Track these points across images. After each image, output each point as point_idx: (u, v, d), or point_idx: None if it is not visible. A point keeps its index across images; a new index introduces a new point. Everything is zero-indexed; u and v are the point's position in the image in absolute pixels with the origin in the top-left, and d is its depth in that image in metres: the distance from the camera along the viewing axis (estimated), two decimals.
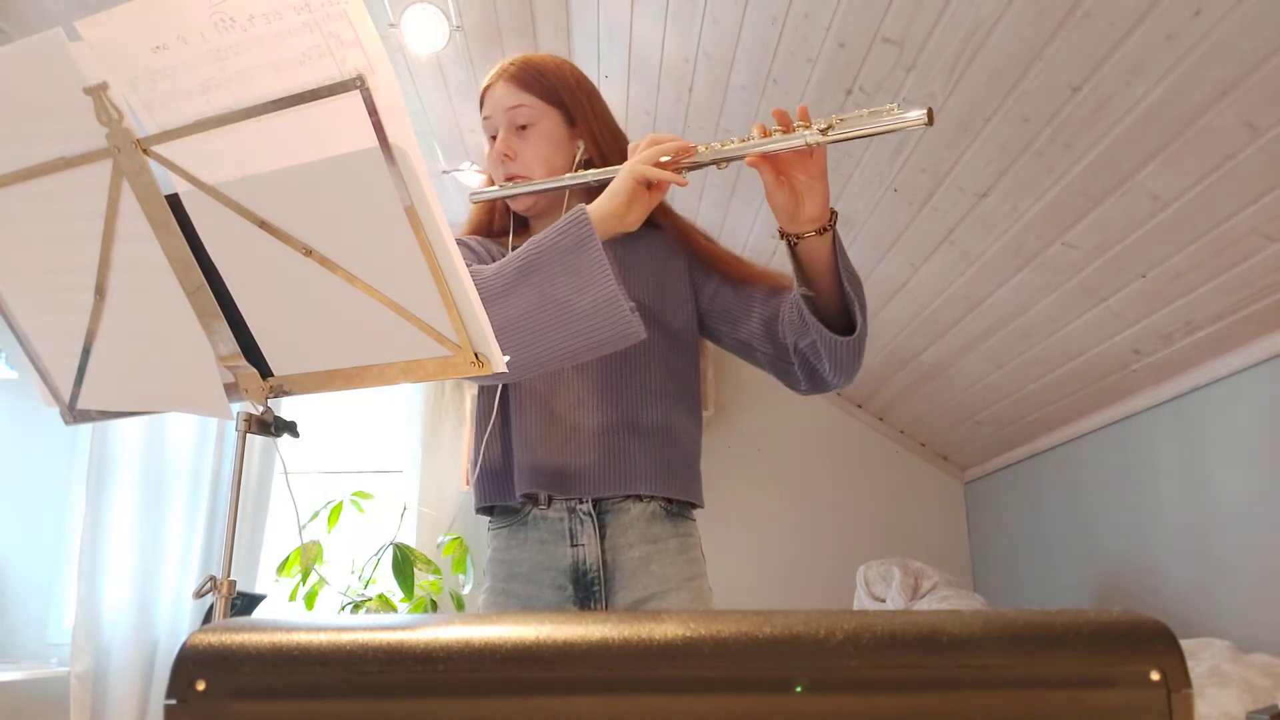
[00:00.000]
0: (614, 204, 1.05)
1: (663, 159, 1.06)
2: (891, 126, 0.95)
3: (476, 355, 0.89)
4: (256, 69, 0.80)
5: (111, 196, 0.89)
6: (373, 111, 0.80)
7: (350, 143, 0.82)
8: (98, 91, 0.83)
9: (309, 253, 0.88)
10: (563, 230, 1.03)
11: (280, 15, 0.78)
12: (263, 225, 0.88)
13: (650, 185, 1.07)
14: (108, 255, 0.92)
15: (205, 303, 0.93)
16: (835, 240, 1.07)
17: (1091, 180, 2.04)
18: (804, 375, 1.17)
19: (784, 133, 1.01)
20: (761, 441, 3.78)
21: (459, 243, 1.25)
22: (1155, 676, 0.46)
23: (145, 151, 0.86)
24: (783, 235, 1.08)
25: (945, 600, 3.01)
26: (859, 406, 3.81)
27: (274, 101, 0.81)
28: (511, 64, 1.26)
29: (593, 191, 1.16)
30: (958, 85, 2.02)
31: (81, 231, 0.92)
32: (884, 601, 3.13)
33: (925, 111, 0.93)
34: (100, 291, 0.95)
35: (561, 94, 1.24)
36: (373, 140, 0.81)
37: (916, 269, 2.74)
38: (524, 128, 1.23)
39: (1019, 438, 3.28)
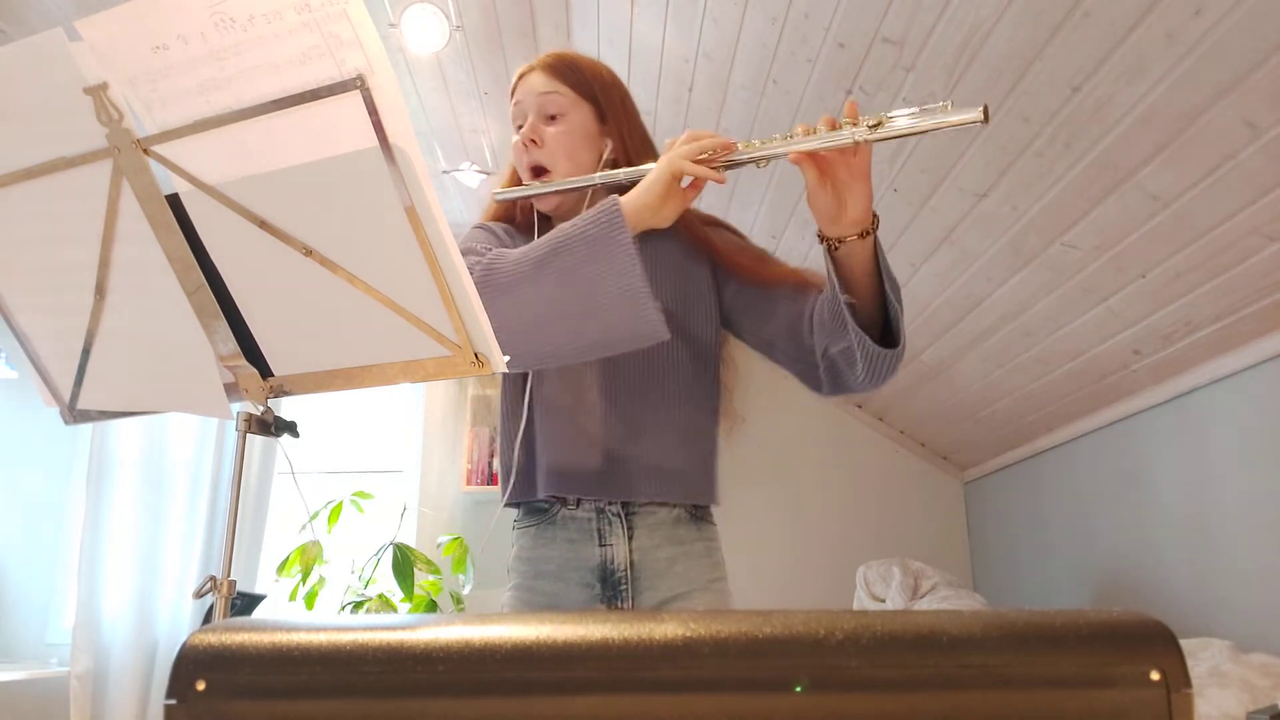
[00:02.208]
0: (649, 196, 1.01)
1: (701, 155, 1.02)
2: (944, 123, 0.90)
3: (476, 355, 0.89)
4: (256, 69, 0.80)
5: (111, 196, 0.89)
6: (373, 111, 0.80)
7: (350, 143, 0.82)
8: (98, 91, 0.83)
9: (309, 253, 0.88)
10: (592, 219, 0.99)
11: (280, 15, 0.77)
12: (263, 225, 0.88)
13: (686, 181, 1.03)
14: (108, 255, 0.92)
15: (205, 303, 0.93)
16: (876, 245, 1.03)
17: (1091, 180, 2.04)
18: (828, 379, 1.14)
19: (830, 130, 0.96)
20: (761, 441, 3.77)
21: (482, 227, 1.23)
22: (1155, 676, 0.46)
23: (145, 151, 0.86)
24: (822, 239, 1.04)
25: (945, 600, 3.01)
26: (859, 406, 3.81)
27: (274, 101, 0.81)
28: (549, 55, 1.23)
29: (620, 192, 1.13)
30: (957, 85, 2.02)
31: (81, 231, 0.92)
32: (884, 601, 3.13)
33: (981, 109, 0.88)
34: (100, 291, 0.95)
35: (595, 90, 1.21)
36: (373, 140, 0.81)
37: (916, 269, 2.74)
38: (554, 117, 1.19)
39: (1019, 437, 3.28)
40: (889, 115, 0.93)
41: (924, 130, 0.92)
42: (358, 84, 0.79)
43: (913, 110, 0.92)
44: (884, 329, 1.06)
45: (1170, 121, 1.80)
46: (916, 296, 2.87)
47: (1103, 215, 2.11)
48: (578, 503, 1.16)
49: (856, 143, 0.94)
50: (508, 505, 1.23)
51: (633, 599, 1.15)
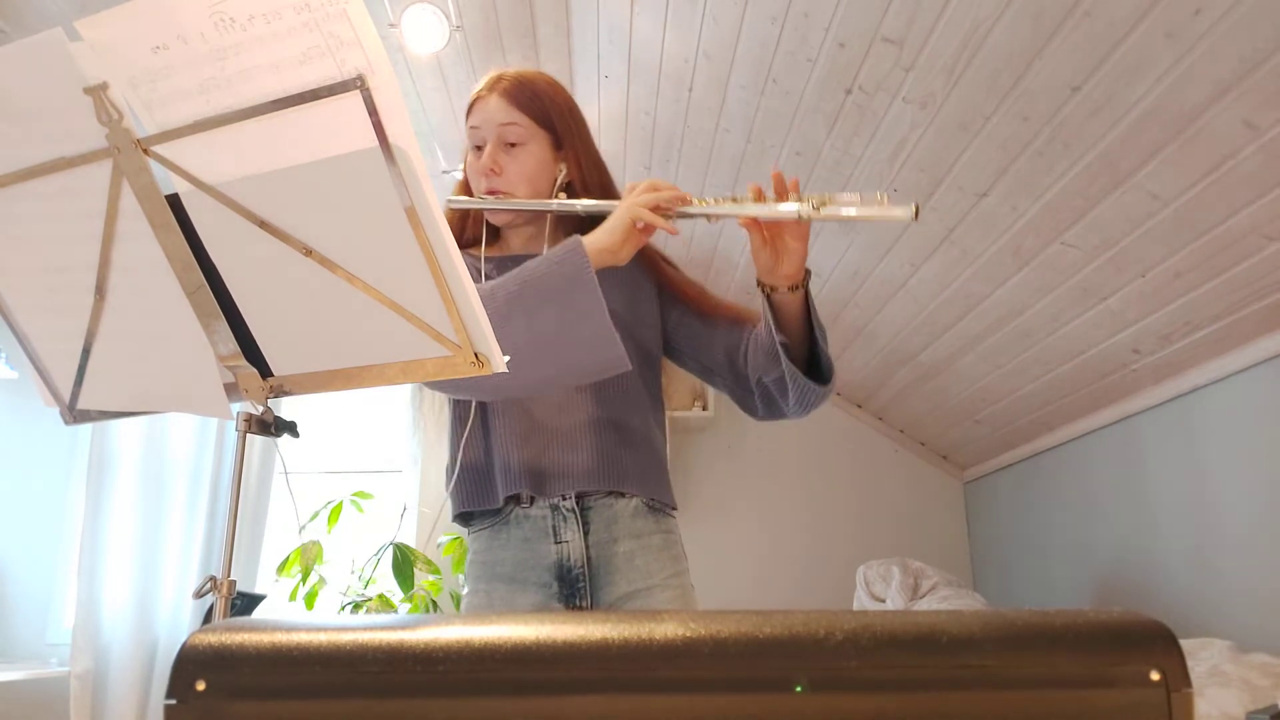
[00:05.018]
0: (610, 240, 1.10)
1: (659, 204, 1.12)
2: (879, 216, 1.02)
3: (476, 355, 0.89)
4: (256, 69, 0.80)
5: (111, 196, 0.89)
6: (373, 111, 0.80)
7: (350, 143, 0.82)
8: (98, 91, 0.83)
9: (309, 253, 0.88)
10: (559, 259, 1.05)
11: (280, 15, 0.77)
12: (263, 225, 0.88)
13: (643, 226, 1.12)
14: (108, 255, 0.92)
15: (205, 303, 0.93)
16: (807, 296, 1.16)
17: (1091, 180, 2.04)
18: (763, 404, 1.25)
19: (778, 199, 1.08)
20: (761, 442, 3.77)
21: None
22: (1155, 676, 0.46)
23: (145, 151, 0.86)
24: (759, 285, 1.16)
25: (945, 600, 3.01)
26: (859, 406, 3.81)
27: (274, 101, 0.81)
28: (505, 78, 1.27)
29: (570, 218, 1.23)
30: (957, 85, 2.02)
31: (81, 231, 0.92)
32: (884, 601, 3.14)
33: (913, 208, 0.99)
34: (100, 291, 0.95)
35: (553, 117, 1.26)
36: (373, 140, 0.81)
37: (916, 269, 2.74)
38: (513, 145, 1.25)
39: (1018, 438, 3.28)
40: (832, 197, 1.05)
41: (861, 219, 1.04)
42: (358, 84, 0.79)
43: (854, 197, 1.04)
44: (814, 366, 1.19)
45: (1170, 121, 1.80)
46: (916, 297, 2.87)
47: (1102, 215, 2.11)
48: (531, 501, 1.18)
49: (800, 217, 1.06)
50: (456, 518, 1.24)
51: (591, 596, 1.16)
